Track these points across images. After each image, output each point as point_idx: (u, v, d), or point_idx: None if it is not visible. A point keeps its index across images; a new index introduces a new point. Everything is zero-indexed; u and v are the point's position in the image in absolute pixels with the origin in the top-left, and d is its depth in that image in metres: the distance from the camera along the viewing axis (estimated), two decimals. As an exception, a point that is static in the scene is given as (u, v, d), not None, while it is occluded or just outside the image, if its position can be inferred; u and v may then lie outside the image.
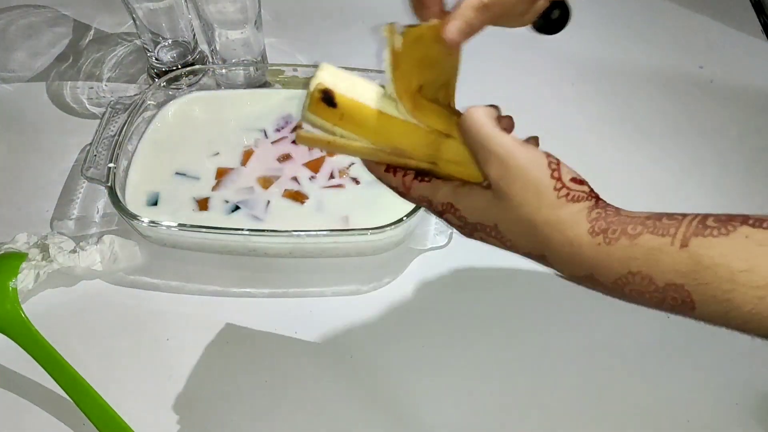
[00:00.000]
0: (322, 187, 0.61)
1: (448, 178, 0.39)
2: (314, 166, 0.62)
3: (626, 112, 0.72)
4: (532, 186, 0.35)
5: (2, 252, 0.57)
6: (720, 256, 0.29)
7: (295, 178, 0.61)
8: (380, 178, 0.41)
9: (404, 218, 0.54)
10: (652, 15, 0.82)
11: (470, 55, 0.85)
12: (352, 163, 0.62)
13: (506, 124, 0.38)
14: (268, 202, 0.60)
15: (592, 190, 0.36)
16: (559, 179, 0.35)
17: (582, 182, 0.36)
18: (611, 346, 0.55)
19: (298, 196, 0.60)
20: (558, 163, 0.35)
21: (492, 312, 0.57)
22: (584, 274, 0.34)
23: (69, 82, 0.74)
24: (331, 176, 0.62)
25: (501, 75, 0.74)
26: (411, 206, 0.55)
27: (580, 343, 0.55)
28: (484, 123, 0.36)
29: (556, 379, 0.53)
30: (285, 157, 0.63)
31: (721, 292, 0.29)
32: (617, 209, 0.35)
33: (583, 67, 0.76)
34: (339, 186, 0.61)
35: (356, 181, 0.61)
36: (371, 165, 0.41)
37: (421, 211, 0.55)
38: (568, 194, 0.34)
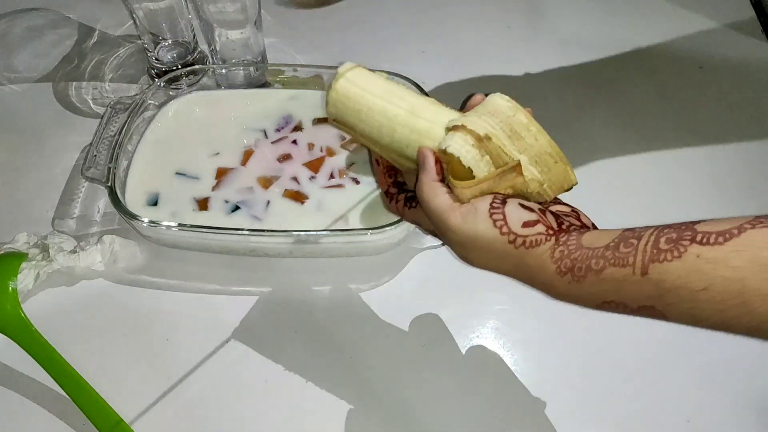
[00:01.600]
0: (322, 187, 0.61)
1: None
2: (314, 166, 0.62)
3: (625, 113, 0.72)
4: (491, 250, 0.37)
5: (2, 252, 0.57)
6: (678, 279, 0.31)
7: (295, 178, 0.61)
8: (383, 200, 0.47)
9: (404, 218, 0.54)
10: (652, 15, 0.82)
11: (469, 52, 0.85)
12: (352, 163, 0.62)
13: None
14: (268, 202, 0.60)
15: (548, 226, 0.36)
16: (509, 232, 0.36)
17: (535, 223, 0.36)
18: (611, 345, 0.55)
19: (298, 196, 0.60)
20: (503, 214, 0.37)
21: (490, 310, 0.57)
22: (569, 302, 0.36)
23: (74, 83, 0.74)
24: (331, 176, 0.62)
25: (500, 74, 0.75)
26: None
27: (579, 343, 0.55)
28: (435, 206, 0.39)
29: (556, 378, 0.53)
30: (285, 157, 0.63)
31: (687, 309, 0.31)
32: (578, 240, 0.35)
33: (582, 68, 0.76)
34: (339, 186, 0.61)
35: (356, 181, 0.61)
36: (380, 176, 0.46)
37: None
38: (524, 242, 0.36)
